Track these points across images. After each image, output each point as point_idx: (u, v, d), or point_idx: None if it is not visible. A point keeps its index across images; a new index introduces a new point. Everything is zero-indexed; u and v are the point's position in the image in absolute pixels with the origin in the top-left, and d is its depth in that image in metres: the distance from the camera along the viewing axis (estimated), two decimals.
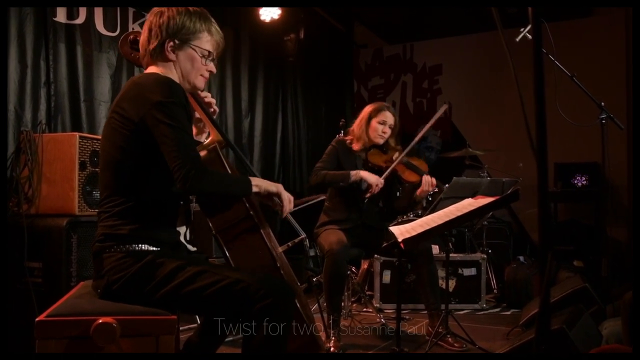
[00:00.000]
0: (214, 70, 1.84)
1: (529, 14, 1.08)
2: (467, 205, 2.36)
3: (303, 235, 1.99)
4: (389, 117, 3.25)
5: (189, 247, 1.92)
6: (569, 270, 4.24)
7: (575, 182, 5.12)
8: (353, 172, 3.11)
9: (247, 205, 1.78)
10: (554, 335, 2.31)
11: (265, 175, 5.00)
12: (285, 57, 5.42)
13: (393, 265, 4.03)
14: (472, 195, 2.60)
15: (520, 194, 2.25)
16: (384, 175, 3.11)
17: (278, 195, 1.82)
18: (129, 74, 3.60)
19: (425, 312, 3.23)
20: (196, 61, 1.76)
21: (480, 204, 2.30)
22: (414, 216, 3.97)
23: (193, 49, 1.75)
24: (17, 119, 2.98)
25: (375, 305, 3.98)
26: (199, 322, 2.86)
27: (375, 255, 3.93)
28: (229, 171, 1.85)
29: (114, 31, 3.58)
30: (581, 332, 2.47)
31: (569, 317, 2.54)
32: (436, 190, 3.15)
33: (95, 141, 2.71)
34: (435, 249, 3.83)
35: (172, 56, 1.74)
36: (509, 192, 2.80)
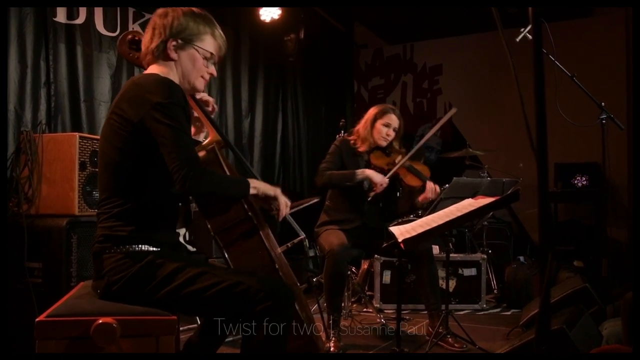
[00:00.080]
0: (215, 73, 1.84)
1: (529, 14, 1.08)
2: (468, 205, 2.35)
3: (302, 235, 1.99)
4: (393, 119, 3.25)
5: (189, 247, 1.92)
6: (569, 270, 4.24)
7: (576, 182, 5.12)
8: (359, 171, 3.11)
9: (246, 206, 1.78)
10: (554, 336, 2.31)
11: (266, 175, 5.01)
12: (285, 57, 5.42)
13: (393, 265, 4.03)
14: (473, 196, 2.60)
15: (521, 194, 2.25)
16: (387, 176, 3.11)
17: (275, 198, 1.82)
18: (129, 74, 3.60)
19: (426, 312, 3.23)
20: (198, 62, 1.76)
21: (481, 204, 2.30)
22: (414, 216, 3.96)
23: (195, 49, 1.75)
24: (17, 119, 2.99)
25: (376, 305, 3.98)
26: (199, 322, 2.86)
27: (376, 256, 3.93)
28: (227, 172, 1.85)
29: (114, 31, 3.58)
30: (581, 332, 2.47)
31: (569, 318, 2.54)
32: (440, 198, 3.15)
33: (95, 141, 2.71)
34: (436, 249, 3.82)
35: (174, 55, 1.74)
36: (509, 192, 2.80)
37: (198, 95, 1.89)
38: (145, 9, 3.78)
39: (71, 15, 3.33)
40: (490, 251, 4.66)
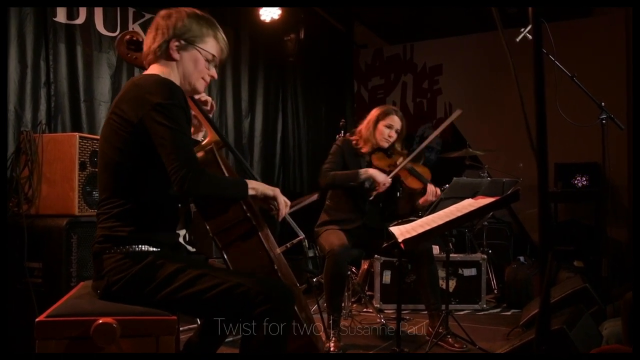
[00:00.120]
0: (215, 76, 1.84)
1: (529, 14, 1.08)
2: (468, 205, 2.36)
3: (302, 236, 1.99)
4: (396, 121, 3.24)
5: (188, 247, 1.92)
6: (569, 270, 4.24)
7: (576, 182, 5.12)
8: (362, 171, 3.11)
9: (245, 207, 1.78)
10: (554, 336, 2.31)
11: (266, 176, 5.01)
12: (285, 57, 5.42)
13: (393, 265, 4.03)
14: (473, 196, 2.60)
15: (521, 194, 2.26)
16: (390, 175, 3.11)
17: (275, 198, 1.82)
18: (129, 74, 3.60)
19: (426, 312, 3.23)
20: (199, 63, 1.77)
21: (481, 205, 2.30)
22: (414, 217, 3.96)
23: (198, 50, 1.76)
24: (17, 119, 2.99)
25: (376, 305, 3.98)
26: (199, 322, 2.86)
27: (376, 256, 3.92)
28: (226, 172, 1.84)
29: (114, 31, 3.58)
30: (581, 332, 2.47)
31: (569, 318, 2.54)
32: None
33: (95, 141, 2.71)
34: (436, 249, 3.82)
35: (176, 55, 1.74)
36: (509, 192, 2.80)
37: (196, 96, 1.89)
38: (145, 9, 3.78)
39: (71, 15, 3.33)
40: (490, 251, 4.66)
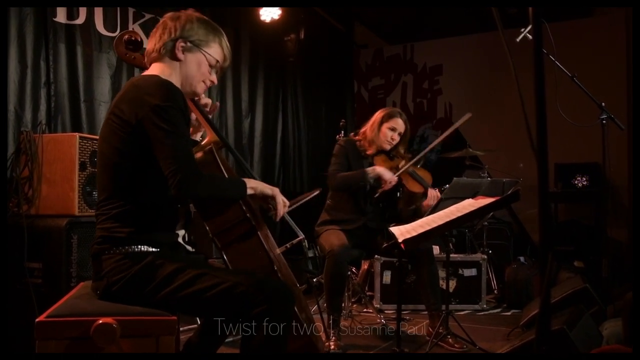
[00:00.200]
0: (216, 81, 1.86)
1: (529, 14, 1.08)
2: (468, 205, 2.35)
3: (302, 236, 1.99)
4: (399, 124, 3.24)
5: (188, 247, 1.92)
6: (569, 270, 4.24)
7: (576, 182, 5.11)
8: (369, 170, 3.11)
9: (244, 207, 1.77)
10: (554, 336, 2.31)
11: (266, 176, 5.01)
12: (286, 58, 5.42)
13: (393, 265, 4.03)
14: (473, 196, 2.60)
15: (521, 195, 2.25)
16: (396, 175, 3.11)
17: (273, 198, 1.82)
18: (129, 75, 3.60)
19: (426, 312, 3.23)
20: (203, 67, 1.78)
21: (481, 205, 2.30)
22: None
23: (203, 54, 1.77)
24: (17, 119, 2.99)
25: (376, 305, 3.98)
26: (199, 322, 2.86)
27: (376, 256, 3.92)
28: (225, 173, 1.84)
29: (114, 31, 3.58)
30: (582, 332, 2.47)
31: (570, 318, 2.54)
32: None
33: (95, 141, 2.70)
34: (436, 250, 3.82)
35: (181, 56, 1.74)
36: (509, 192, 2.80)
37: (197, 99, 1.89)
38: (145, 9, 3.78)
39: (71, 15, 3.34)
40: (490, 251, 4.66)
